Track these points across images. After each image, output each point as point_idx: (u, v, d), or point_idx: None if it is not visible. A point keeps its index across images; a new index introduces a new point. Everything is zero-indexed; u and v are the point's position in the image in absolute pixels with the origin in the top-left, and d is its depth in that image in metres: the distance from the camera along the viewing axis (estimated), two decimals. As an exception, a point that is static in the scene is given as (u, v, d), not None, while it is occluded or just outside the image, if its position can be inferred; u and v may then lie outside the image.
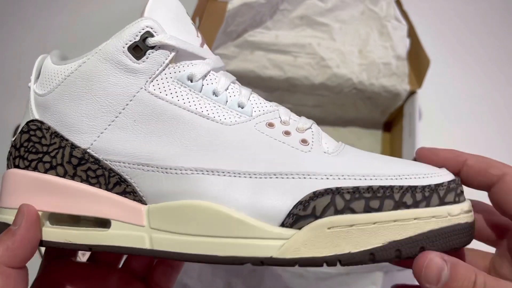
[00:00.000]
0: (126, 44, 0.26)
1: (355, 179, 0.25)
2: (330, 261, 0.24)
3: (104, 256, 0.34)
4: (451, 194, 0.25)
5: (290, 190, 0.25)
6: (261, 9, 0.52)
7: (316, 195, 0.25)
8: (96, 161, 0.27)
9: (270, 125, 0.28)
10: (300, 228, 0.24)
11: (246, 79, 0.57)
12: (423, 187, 0.25)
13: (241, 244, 0.25)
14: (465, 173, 0.27)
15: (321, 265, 0.24)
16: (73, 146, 0.28)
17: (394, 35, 0.57)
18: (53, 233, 0.28)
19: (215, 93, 0.28)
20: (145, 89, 0.27)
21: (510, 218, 0.26)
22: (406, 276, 0.57)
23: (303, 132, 0.28)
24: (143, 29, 0.26)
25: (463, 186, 0.26)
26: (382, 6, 0.56)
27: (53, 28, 0.64)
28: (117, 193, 0.27)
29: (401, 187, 0.25)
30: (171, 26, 0.27)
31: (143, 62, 0.27)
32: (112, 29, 0.29)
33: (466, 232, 0.25)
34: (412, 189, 0.25)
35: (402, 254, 0.24)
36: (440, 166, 0.27)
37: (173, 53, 0.27)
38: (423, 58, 0.54)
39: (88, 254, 0.35)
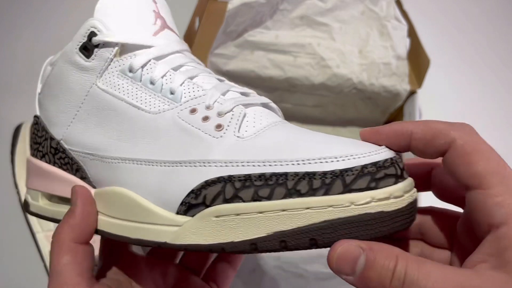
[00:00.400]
0: (78, 45, 0.29)
1: (253, 165, 0.24)
2: (215, 248, 0.24)
3: (162, 250, 0.36)
4: (363, 180, 0.23)
5: (188, 178, 0.26)
6: (261, 9, 0.52)
7: (207, 183, 0.25)
8: (64, 150, 0.31)
9: (193, 111, 0.28)
10: (193, 216, 0.25)
11: (246, 79, 0.57)
12: (324, 173, 0.23)
13: (145, 229, 0.27)
14: (414, 147, 0.25)
15: (209, 251, 0.25)
16: (52, 138, 0.32)
17: (394, 35, 0.57)
18: (41, 208, 0.33)
19: (151, 82, 0.29)
20: (96, 85, 0.30)
21: (463, 184, 0.23)
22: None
23: (222, 117, 0.27)
24: (88, 30, 0.29)
25: (395, 167, 0.23)
26: (382, 6, 0.56)
27: (51, 27, 0.64)
28: (79, 178, 0.31)
29: (296, 174, 0.23)
30: (120, 19, 0.30)
31: (93, 60, 0.29)
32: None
33: (380, 222, 0.22)
34: (310, 175, 0.23)
35: (288, 245, 0.23)
36: (386, 145, 0.25)
37: (116, 48, 0.29)
38: (423, 58, 0.54)
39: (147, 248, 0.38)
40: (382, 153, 0.24)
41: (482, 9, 0.73)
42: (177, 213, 0.26)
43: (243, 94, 0.29)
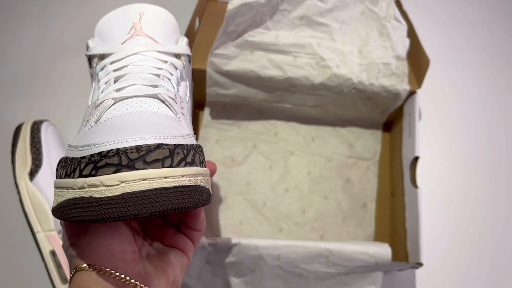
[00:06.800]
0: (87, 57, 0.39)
1: (70, 150, 0.29)
2: (53, 210, 0.28)
3: None
4: (88, 167, 0.25)
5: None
6: (261, 9, 0.52)
7: (59, 163, 0.29)
8: None
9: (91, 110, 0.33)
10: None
11: (246, 79, 0.57)
12: (72, 160, 0.27)
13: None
14: None
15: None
16: None
17: (394, 35, 0.57)
18: None
19: (99, 86, 0.35)
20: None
21: None
22: (406, 276, 0.57)
23: (94, 111, 0.32)
24: (87, 46, 0.39)
25: (119, 158, 0.25)
26: (382, 6, 0.57)
27: (55, 28, 0.64)
28: None
29: (66, 159, 0.28)
30: (105, 34, 0.37)
31: (93, 67, 0.37)
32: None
33: (86, 207, 0.25)
34: (61, 162, 0.28)
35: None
36: None
37: (95, 58, 0.37)
38: (423, 58, 0.54)
39: None
40: (117, 144, 0.25)
41: (482, 9, 0.73)
42: None
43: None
